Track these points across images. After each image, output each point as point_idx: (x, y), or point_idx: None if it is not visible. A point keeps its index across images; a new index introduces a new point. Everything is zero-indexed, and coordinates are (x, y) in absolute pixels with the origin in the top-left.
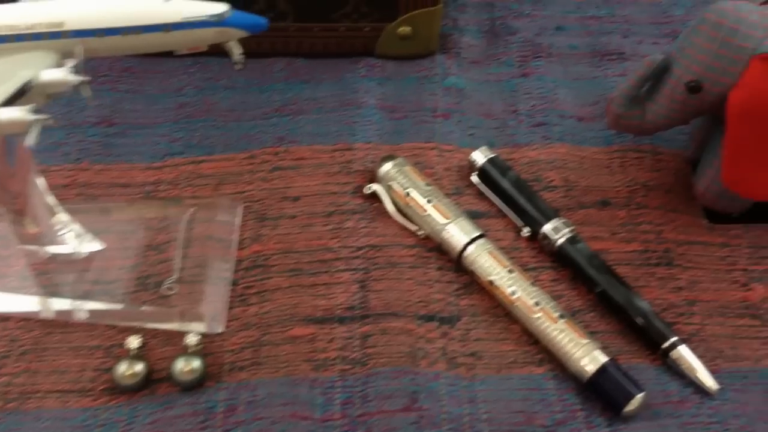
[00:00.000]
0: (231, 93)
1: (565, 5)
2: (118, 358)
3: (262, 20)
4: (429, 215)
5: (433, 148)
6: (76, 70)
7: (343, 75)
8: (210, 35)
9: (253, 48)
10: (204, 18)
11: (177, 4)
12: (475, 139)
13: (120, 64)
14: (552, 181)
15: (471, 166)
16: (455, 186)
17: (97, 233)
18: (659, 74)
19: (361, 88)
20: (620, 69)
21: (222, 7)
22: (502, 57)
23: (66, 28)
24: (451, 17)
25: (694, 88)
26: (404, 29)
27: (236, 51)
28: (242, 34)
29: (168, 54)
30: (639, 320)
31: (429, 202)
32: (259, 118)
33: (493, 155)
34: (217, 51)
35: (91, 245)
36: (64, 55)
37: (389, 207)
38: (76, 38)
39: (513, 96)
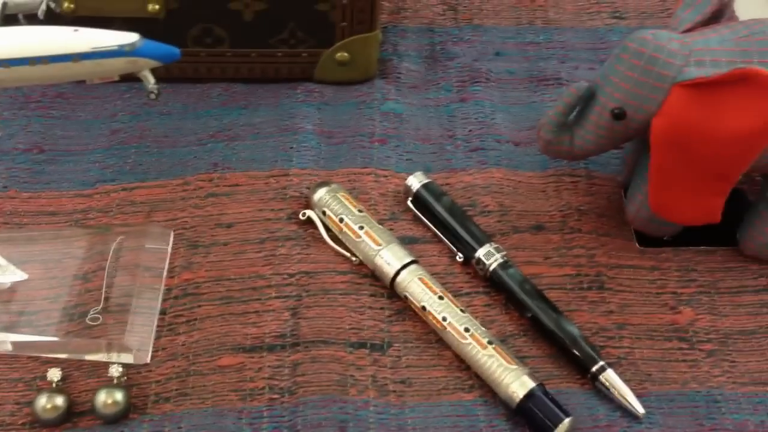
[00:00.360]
0: (166, 118)
1: (504, 31)
2: (40, 391)
3: (174, 50)
4: (362, 241)
5: (369, 174)
6: None
7: (281, 100)
8: (121, 65)
9: (190, 73)
10: (114, 48)
11: (86, 33)
12: (412, 164)
13: (53, 89)
14: (487, 206)
15: (407, 192)
16: (391, 211)
17: (22, 263)
18: (585, 101)
19: (299, 113)
20: (557, 94)
21: (132, 37)
22: (441, 82)
23: None
24: (392, 42)
25: (618, 114)
26: (342, 55)
27: (150, 81)
28: (154, 64)
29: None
30: (568, 345)
31: (361, 228)
32: (194, 144)
33: (428, 180)
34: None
35: (15, 275)
36: None
37: (323, 233)
38: None
39: (450, 121)
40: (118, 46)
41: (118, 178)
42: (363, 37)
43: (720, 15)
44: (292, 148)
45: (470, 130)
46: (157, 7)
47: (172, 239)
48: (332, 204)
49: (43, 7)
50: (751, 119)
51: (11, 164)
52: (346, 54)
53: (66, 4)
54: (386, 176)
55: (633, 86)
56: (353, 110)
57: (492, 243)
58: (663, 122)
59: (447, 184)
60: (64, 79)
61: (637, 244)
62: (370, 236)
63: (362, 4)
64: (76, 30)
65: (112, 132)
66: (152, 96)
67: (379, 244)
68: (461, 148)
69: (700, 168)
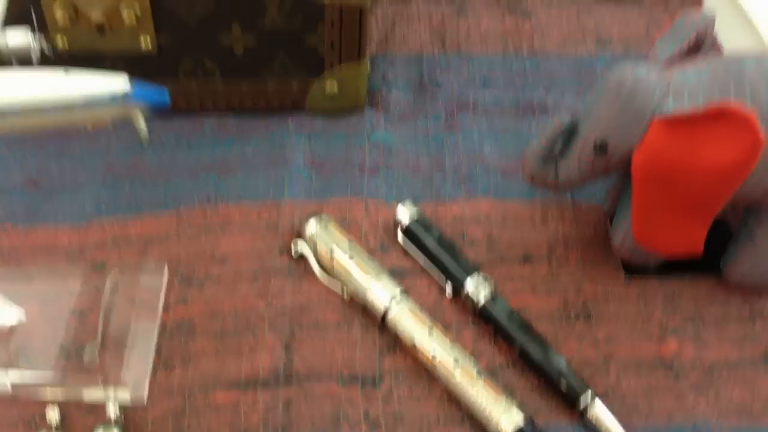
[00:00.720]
0: (160, 151)
1: (491, 59)
2: (38, 431)
3: (165, 97)
4: (352, 275)
5: (359, 204)
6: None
7: (272, 131)
8: (112, 111)
9: (183, 105)
10: (105, 96)
11: (78, 78)
12: (402, 194)
13: None
14: (475, 236)
15: (396, 223)
16: (381, 242)
17: (18, 301)
18: (568, 134)
19: (290, 144)
20: (543, 123)
21: (123, 84)
22: (430, 111)
23: None
24: (381, 72)
25: (600, 148)
26: (331, 85)
27: (141, 125)
28: (145, 110)
29: None
30: (556, 378)
31: (352, 259)
32: (188, 177)
33: (417, 212)
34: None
35: (13, 314)
36: None
37: (315, 267)
38: None
39: (439, 150)
40: (110, 93)
41: (113, 211)
42: (352, 68)
43: (699, 46)
44: (283, 179)
45: (459, 160)
46: (149, 43)
47: (166, 274)
48: (323, 236)
49: (38, 52)
50: (729, 154)
51: (7, 199)
52: (335, 84)
53: (60, 42)
54: (376, 206)
55: (614, 120)
56: (343, 140)
57: (480, 274)
58: (644, 156)
59: (436, 213)
60: (56, 125)
61: (623, 274)
62: (361, 269)
63: (350, 36)
64: (66, 71)
65: (106, 165)
66: (143, 141)
67: (371, 277)
68: (450, 178)
69: (682, 201)
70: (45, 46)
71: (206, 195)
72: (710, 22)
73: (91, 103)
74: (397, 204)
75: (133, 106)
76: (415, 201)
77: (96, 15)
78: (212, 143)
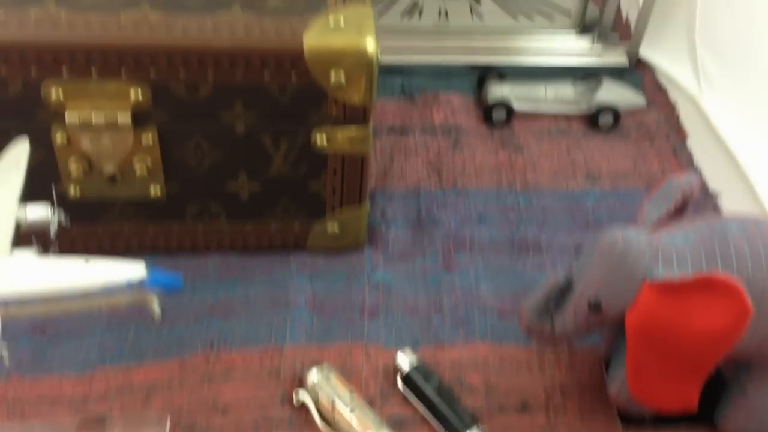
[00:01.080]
0: (164, 293)
1: (486, 194)
2: None
3: (179, 281)
4: (354, 427)
5: (360, 349)
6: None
7: (274, 271)
8: (128, 297)
9: (188, 246)
10: (122, 283)
11: (97, 268)
12: (401, 338)
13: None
14: (474, 382)
15: (396, 369)
16: (381, 389)
17: None
18: (563, 291)
19: (292, 285)
20: (537, 261)
21: (140, 272)
22: (427, 250)
23: None
24: (380, 207)
25: (595, 307)
26: (332, 227)
27: (155, 308)
28: (159, 295)
29: (103, 252)
30: None
31: (353, 411)
32: (191, 321)
33: (416, 359)
34: (153, 248)
35: None
36: None
37: (317, 418)
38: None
39: (437, 291)
40: (127, 281)
41: (117, 358)
42: (352, 210)
43: (686, 205)
44: (285, 323)
45: (456, 301)
46: (158, 190)
47: (168, 426)
48: (325, 387)
49: (56, 226)
50: (718, 321)
51: (14, 346)
52: (336, 226)
53: (72, 191)
54: (376, 351)
55: (606, 282)
56: (344, 281)
57: (479, 428)
58: (636, 317)
59: (435, 358)
60: (73, 311)
61: (619, 423)
62: (361, 421)
63: (352, 181)
64: (87, 261)
65: (111, 310)
66: (156, 322)
67: (371, 430)
68: (448, 320)
69: (675, 360)
70: (63, 222)
71: (209, 340)
72: (696, 184)
73: (108, 290)
74: (397, 350)
75: (148, 292)
76: (414, 345)
77: (109, 168)
78: (216, 284)
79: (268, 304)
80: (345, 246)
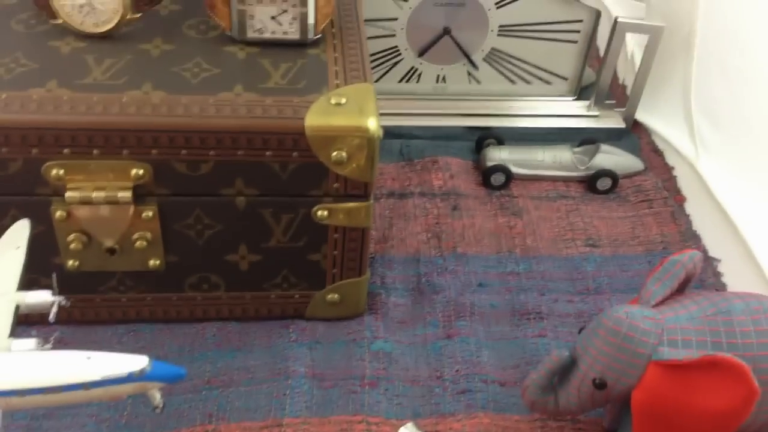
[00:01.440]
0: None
1: (486, 260)
2: None
3: (181, 372)
4: None
5: (360, 422)
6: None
7: (273, 340)
8: (129, 389)
9: (186, 315)
10: (124, 375)
11: (98, 360)
12: (402, 409)
13: (53, 334)
14: None
15: None
16: None
17: None
18: (567, 367)
19: (292, 354)
20: (538, 329)
21: (142, 363)
22: (428, 317)
23: None
24: (379, 274)
25: (599, 385)
26: (332, 296)
27: (157, 397)
28: (161, 384)
29: (101, 322)
30: None
31: None
32: (190, 392)
33: None
34: (151, 318)
35: None
36: None
37: None
38: (1, 398)
39: (438, 359)
40: (128, 373)
41: None
42: (353, 281)
43: (689, 281)
44: (285, 394)
45: (457, 370)
46: (157, 262)
47: None
48: None
49: (55, 309)
50: (723, 401)
51: (10, 422)
52: (336, 295)
53: (70, 262)
54: (377, 424)
55: (611, 361)
56: (344, 350)
57: None
58: (642, 395)
59: (436, 430)
60: (73, 402)
61: None
62: None
63: (352, 254)
64: (89, 358)
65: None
66: (157, 411)
67: None
68: (449, 391)
69: None
70: (64, 303)
71: (208, 413)
72: (698, 261)
73: (110, 382)
74: (398, 423)
75: (150, 383)
76: (415, 417)
77: (108, 242)
78: (215, 354)
79: (267, 373)
80: (345, 314)
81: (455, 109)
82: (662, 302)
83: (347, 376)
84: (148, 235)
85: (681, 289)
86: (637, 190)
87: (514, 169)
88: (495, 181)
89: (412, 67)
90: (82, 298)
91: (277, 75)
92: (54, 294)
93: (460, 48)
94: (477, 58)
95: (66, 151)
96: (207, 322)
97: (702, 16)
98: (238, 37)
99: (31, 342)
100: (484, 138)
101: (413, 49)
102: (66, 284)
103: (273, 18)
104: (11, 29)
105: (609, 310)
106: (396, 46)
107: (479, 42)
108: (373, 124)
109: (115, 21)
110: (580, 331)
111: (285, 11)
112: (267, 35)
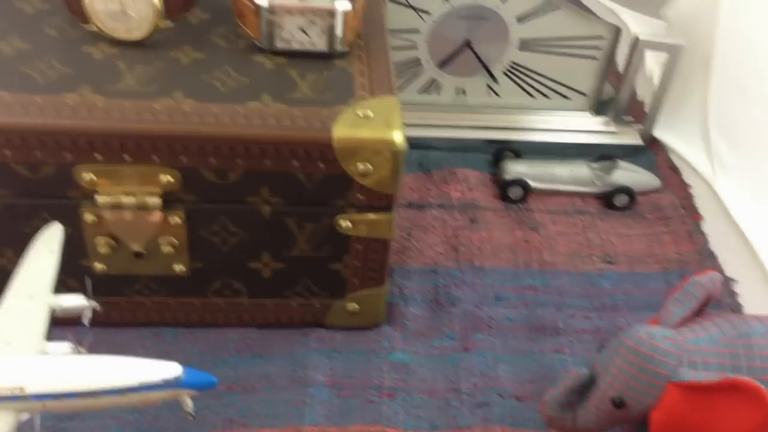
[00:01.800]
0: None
1: (503, 273)
2: None
3: (213, 380)
4: None
5: None
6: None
7: (293, 347)
8: (164, 395)
9: (209, 320)
10: (159, 382)
11: (135, 366)
12: (420, 421)
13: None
14: None
15: None
16: None
17: None
18: (586, 385)
19: (311, 363)
20: (555, 344)
21: (176, 371)
22: (445, 329)
23: (27, 392)
24: (397, 284)
25: (618, 404)
26: (352, 306)
27: (188, 403)
28: (194, 393)
29: (124, 325)
30: None
31: None
32: (211, 397)
33: None
34: (174, 322)
35: None
36: (24, 413)
37: None
38: (37, 402)
39: (455, 372)
40: (164, 380)
41: None
42: (373, 291)
43: (707, 304)
44: (305, 403)
45: (474, 383)
46: (183, 267)
47: None
48: None
49: (90, 315)
50: (742, 424)
51: (31, 422)
52: (356, 305)
53: (98, 265)
54: None
55: (631, 380)
56: (363, 359)
57: None
58: (661, 416)
59: None
60: (109, 408)
61: None
62: None
63: (373, 264)
64: (123, 360)
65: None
66: (189, 417)
67: None
68: (466, 404)
69: None
70: (97, 307)
71: (228, 419)
72: (719, 283)
73: (144, 388)
74: None
75: (183, 390)
76: (433, 429)
77: (136, 246)
78: (236, 360)
79: (287, 381)
80: (364, 324)
81: (474, 121)
82: (682, 323)
83: (366, 386)
84: (175, 240)
85: (700, 311)
86: (654, 207)
87: (532, 183)
88: (513, 194)
89: (433, 79)
90: (107, 300)
91: (304, 86)
92: (88, 298)
93: (480, 61)
94: (497, 71)
95: (98, 155)
96: (228, 328)
97: (721, 36)
98: (267, 47)
99: (66, 345)
100: (501, 151)
101: (434, 60)
102: (92, 286)
103: (301, 29)
104: (45, 34)
105: (630, 330)
106: (417, 58)
107: (499, 55)
108: (398, 137)
109: (148, 29)
110: (599, 349)
111: (313, 23)
112: (295, 46)
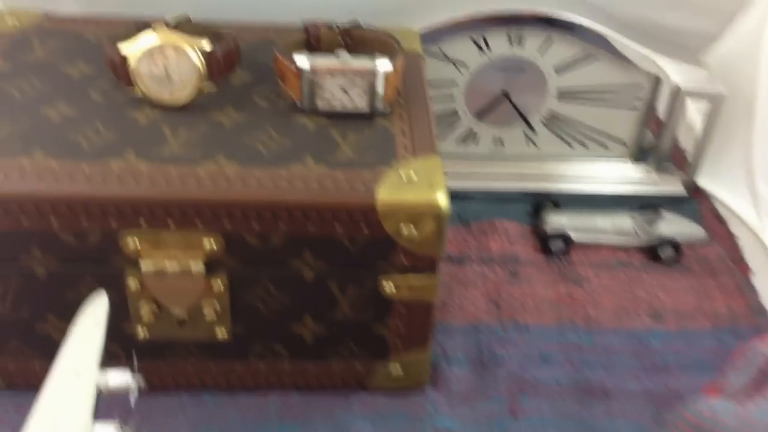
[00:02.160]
0: None
1: (547, 331)
2: None
3: None
4: None
5: None
6: None
7: (336, 413)
8: None
9: (250, 384)
10: None
11: None
12: None
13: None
14: None
15: None
16: None
17: None
18: None
19: (355, 429)
20: (606, 408)
21: None
22: (491, 392)
23: None
24: (440, 343)
25: None
26: (395, 369)
27: None
28: None
29: (166, 389)
30: None
31: None
32: None
33: None
34: (215, 386)
35: None
36: None
37: None
38: None
39: None
40: None
41: None
42: (416, 354)
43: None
44: None
45: None
46: (225, 332)
47: None
48: None
49: (136, 392)
50: None
51: None
52: (399, 368)
53: (141, 333)
54: None
55: None
56: (407, 425)
57: None
58: None
59: None
60: None
61: None
62: None
63: (417, 327)
64: None
65: None
66: None
67: None
68: None
69: None
70: (142, 383)
71: None
72: None
73: None
74: None
75: None
76: None
77: (178, 311)
78: (278, 427)
79: None
80: (407, 387)
81: (512, 170)
82: (744, 394)
83: None
84: (217, 305)
85: (761, 380)
86: (700, 259)
87: (574, 236)
88: (554, 247)
89: (470, 129)
90: (148, 365)
91: (346, 146)
92: (133, 374)
93: (518, 111)
94: (535, 121)
95: (143, 222)
96: (269, 392)
97: (764, 82)
98: (308, 108)
99: (112, 427)
100: (541, 201)
101: (471, 111)
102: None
103: (342, 89)
104: (91, 99)
105: (691, 404)
106: (455, 109)
107: (537, 106)
108: (443, 199)
109: (191, 92)
110: (655, 419)
111: (354, 83)
112: (336, 106)
